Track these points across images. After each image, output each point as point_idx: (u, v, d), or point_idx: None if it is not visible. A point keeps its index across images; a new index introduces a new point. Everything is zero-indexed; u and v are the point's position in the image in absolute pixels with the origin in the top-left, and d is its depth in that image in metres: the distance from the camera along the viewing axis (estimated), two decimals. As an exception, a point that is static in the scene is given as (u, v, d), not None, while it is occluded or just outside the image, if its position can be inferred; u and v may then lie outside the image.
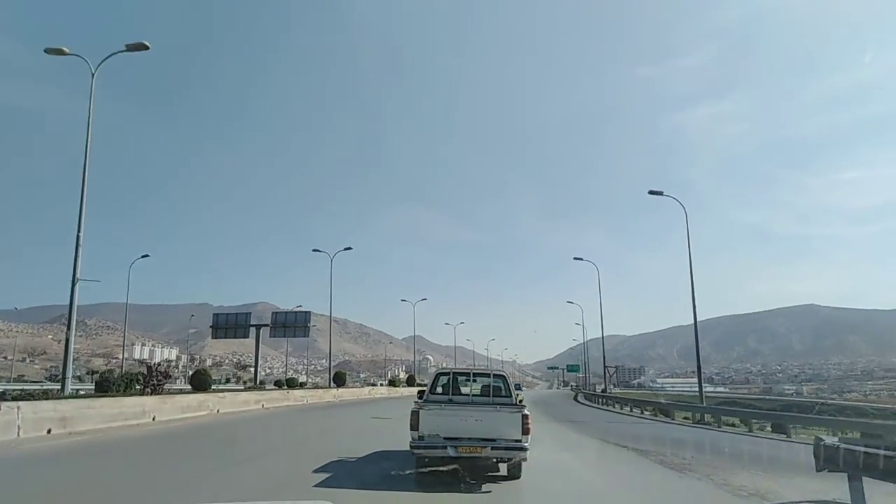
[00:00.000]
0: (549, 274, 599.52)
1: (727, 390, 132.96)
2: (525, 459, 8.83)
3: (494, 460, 9.10)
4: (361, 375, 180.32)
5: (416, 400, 9.49)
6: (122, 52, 21.01)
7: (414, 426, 8.78)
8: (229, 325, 54.38)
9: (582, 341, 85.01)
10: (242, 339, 57.15)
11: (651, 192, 31.89)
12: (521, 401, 9.44)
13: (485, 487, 8.51)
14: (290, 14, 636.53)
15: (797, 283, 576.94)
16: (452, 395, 9.93)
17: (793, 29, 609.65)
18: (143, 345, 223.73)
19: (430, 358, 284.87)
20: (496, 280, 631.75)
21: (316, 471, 9.48)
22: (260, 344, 52.34)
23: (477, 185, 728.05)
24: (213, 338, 57.88)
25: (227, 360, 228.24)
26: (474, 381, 10.49)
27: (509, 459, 8.89)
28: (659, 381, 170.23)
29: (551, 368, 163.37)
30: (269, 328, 52.83)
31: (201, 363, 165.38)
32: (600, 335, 57.31)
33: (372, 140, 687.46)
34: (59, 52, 20.62)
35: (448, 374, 10.47)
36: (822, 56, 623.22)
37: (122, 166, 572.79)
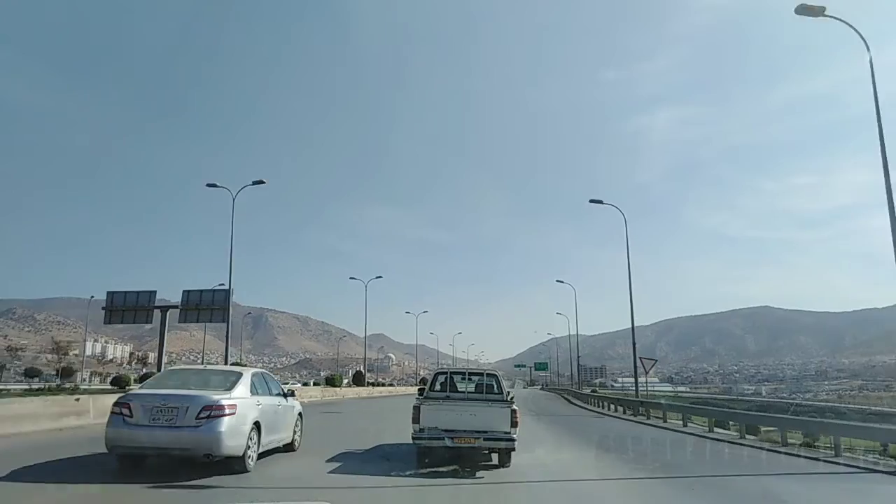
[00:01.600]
0: (517, 272, 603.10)
1: (688, 390, 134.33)
2: (514, 449, 9.91)
3: (487, 451, 10.36)
4: (322, 374, 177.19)
5: (418, 397, 10.63)
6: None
7: (415, 420, 9.86)
8: (127, 306, 41.89)
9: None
10: (191, 331, 47.58)
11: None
12: (511, 398, 10.58)
13: (478, 474, 9.44)
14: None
15: (752, 286, 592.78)
16: (450, 391, 11.09)
17: (752, 38, 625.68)
18: (96, 341, 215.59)
19: (392, 356, 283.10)
20: (465, 279, 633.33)
21: None
22: (181, 333, 46.75)
23: (448, 185, 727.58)
24: (105, 323, 44.35)
25: (184, 357, 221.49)
26: (469, 379, 11.69)
27: (500, 449, 10.01)
28: (620, 380, 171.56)
29: (519, 367, 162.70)
30: (177, 311, 41.63)
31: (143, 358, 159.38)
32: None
33: (357, 141, 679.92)
34: None
35: (445, 373, 11.88)
36: (781, 65, 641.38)
37: (120, 165, 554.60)
